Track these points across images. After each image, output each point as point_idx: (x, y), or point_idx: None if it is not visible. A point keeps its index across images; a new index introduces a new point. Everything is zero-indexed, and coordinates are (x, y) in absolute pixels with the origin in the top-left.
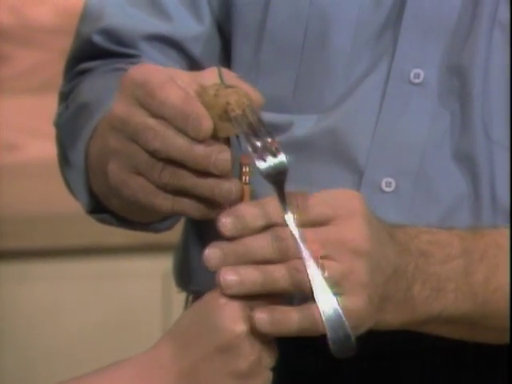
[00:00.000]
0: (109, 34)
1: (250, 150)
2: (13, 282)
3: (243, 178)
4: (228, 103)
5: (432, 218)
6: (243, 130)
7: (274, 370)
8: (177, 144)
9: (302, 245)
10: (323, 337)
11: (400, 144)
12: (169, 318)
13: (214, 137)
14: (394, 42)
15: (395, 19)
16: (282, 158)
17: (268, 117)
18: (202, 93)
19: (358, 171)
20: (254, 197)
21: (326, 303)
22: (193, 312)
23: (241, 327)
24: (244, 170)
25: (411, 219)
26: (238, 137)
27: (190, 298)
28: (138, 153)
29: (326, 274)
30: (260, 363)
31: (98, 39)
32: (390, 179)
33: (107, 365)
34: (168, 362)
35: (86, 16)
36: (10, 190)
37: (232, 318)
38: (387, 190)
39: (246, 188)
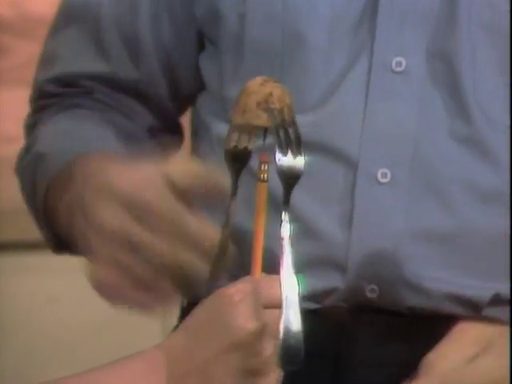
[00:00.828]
0: (59, 81)
1: (276, 144)
2: (12, 274)
3: (261, 175)
4: (271, 94)
5: (432, 207)
6: (275, 123)
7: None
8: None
9: (287, 252)
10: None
11: (391, 134)
12: (168, 312)
13: (245, 123)
14: (372, 33)
15: (371, 11)
16: (300, 161)
17: None
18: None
19: (352, 165)
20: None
21: (291, 313)
22: (206, 308)
23: (254, 325)
24: (262, 167)
25: (411, 209)
26: (265, 131)
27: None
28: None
29: None
30: (272, 361)
31: (49, 87)
32: (385, 170)
33: (118, 358)
34: (180, 358)
35: (40, 63)
36: (10, 182)
37: (245, 316)
38: (383, 181)
39: (264, 186)
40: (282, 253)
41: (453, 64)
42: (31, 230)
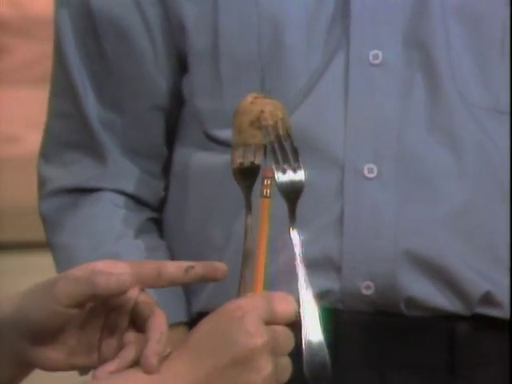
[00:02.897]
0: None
1: (273, 161)
2: (13, 274)
3: (264, 191)
4: (262, 111)
5: (421, 197)
6: (270, 140)
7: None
8: None
9: (300, 266)
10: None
11: (374, 128)
12: None
13: (243, 143)
14: (347, 29)
15: (342, 7)
16: (301, 175)
17: None
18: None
19: (338, 163)
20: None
21: (311, 328)
22: (208, 323)
23: (256, 340)
24: (265, 183)
25: (399, 201)
26: (265, 147)
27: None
28: None
29: None
30: (274, 377)
31: (43, 207)
32: (371, 165)
33: (120, 372)
34: (182, 372)
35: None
36: (10, 182)
37: (247, 332)
38: (370, 176)
39: (266, 201)
40: (296, 268)
41: (429, 51)
42: (31, 230)
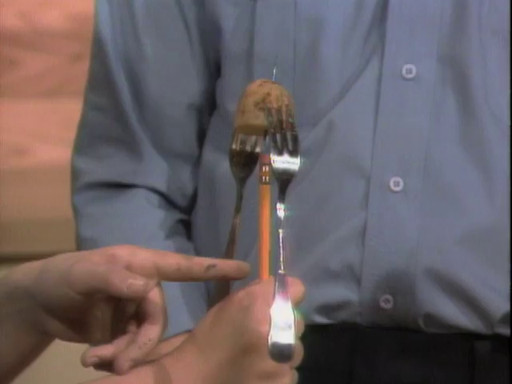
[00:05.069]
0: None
1: (271, 143)
2: None
3: (263, 177)
4: (269, 94)
5: (445, 213)
6: (272, 122)
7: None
8: None
9: (282, 245)
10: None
11: (403, 141)
12: None
13: (245, 124)
14: (382, 40)
15: (379, 19)
16: (296, 161)
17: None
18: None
19: (364, 174)
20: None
21: (281, 306)
22: (216, 314)
23: (265, 327)
24: (264, 169)
25: (424, 217)
26: (265, 132)
27: None
28: None
29: None
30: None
31: (76, 200)
32: (397, 178)
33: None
34: (193, 364)
35: (72, 179)
36: (18, 195)
37: (256, 319)
38: (396, 189)
39: (266, 188)
40: (279, 250)
41: (463, 69)
42: (35, 243)
